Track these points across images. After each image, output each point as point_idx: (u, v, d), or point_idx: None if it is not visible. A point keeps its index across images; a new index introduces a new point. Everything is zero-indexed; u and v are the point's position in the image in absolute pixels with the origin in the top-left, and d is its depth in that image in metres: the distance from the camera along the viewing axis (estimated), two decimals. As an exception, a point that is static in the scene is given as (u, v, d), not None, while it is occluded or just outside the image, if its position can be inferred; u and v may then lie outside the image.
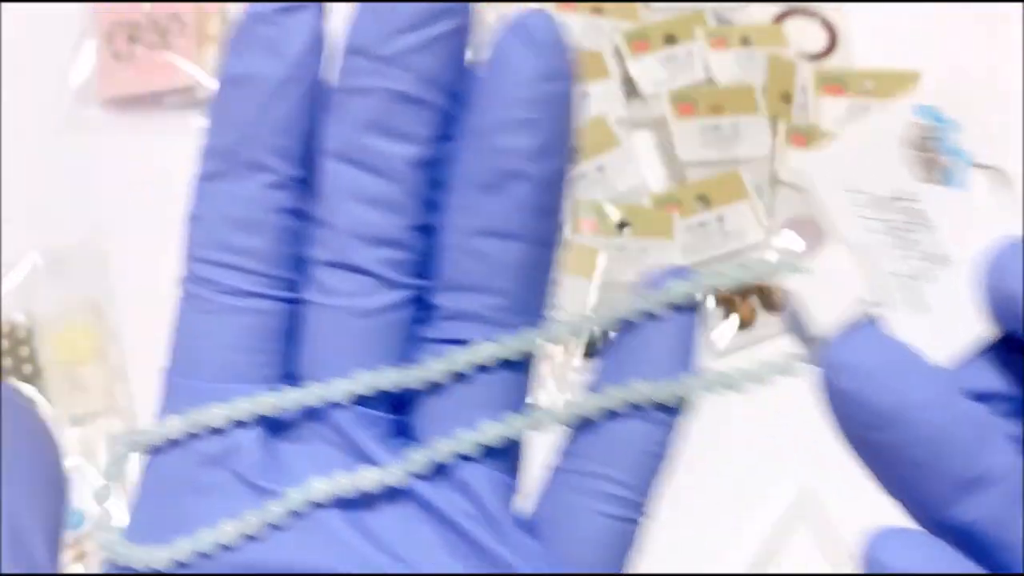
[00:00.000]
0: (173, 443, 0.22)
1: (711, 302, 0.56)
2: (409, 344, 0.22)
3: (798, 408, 0.53)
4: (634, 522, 0.22)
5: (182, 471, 0.22)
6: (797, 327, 0.22)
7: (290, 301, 0.22)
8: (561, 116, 0.21)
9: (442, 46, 0.21)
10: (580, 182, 0.59)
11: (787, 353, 0.21)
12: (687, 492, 0.53)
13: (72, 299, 0.55)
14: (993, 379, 0.21)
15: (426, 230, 0.22)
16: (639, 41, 0.64)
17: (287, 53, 0.22)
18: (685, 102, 0.62)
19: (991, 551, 0.19)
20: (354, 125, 0.21)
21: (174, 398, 0.23)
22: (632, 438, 0.22)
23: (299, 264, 0.23)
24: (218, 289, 0.22)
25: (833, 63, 0.65)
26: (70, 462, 0.52)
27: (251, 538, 0.21)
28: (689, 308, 0.22)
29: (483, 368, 0.22)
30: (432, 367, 0.22)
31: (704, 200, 0.59)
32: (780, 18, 0.67)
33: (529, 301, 0.22)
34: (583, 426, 0.22)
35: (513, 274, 0.22)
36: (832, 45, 0.66)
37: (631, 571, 0.23)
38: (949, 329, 0.21)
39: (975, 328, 0.21)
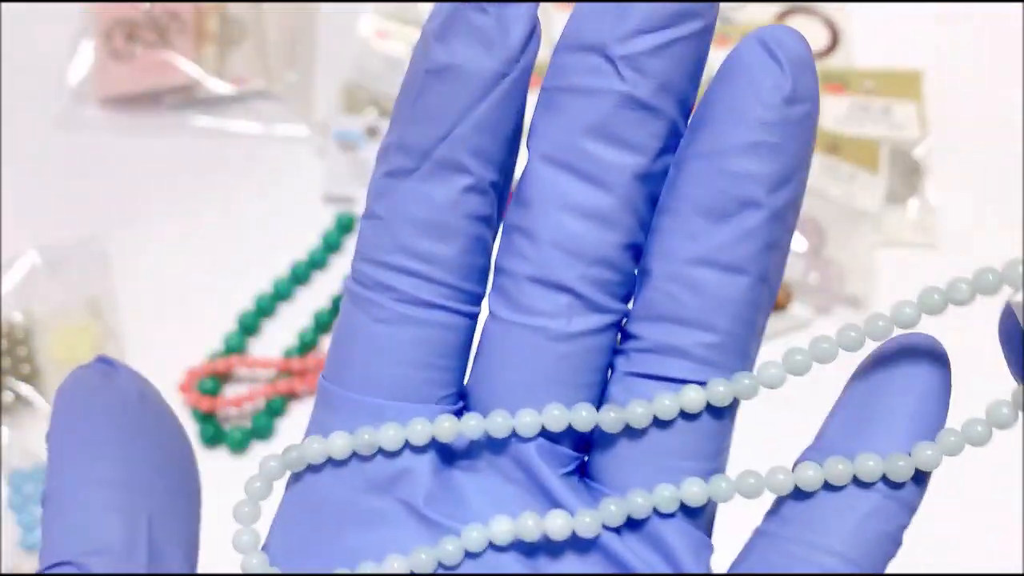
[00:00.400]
0: (334, 463, 0.20)
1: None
2: (604, 373, 0.20)
3: (800, 407, 0.53)
4: None
5: (342, 495, 0.20)
6: (1018, 352, 0.18)
7: (474, 316, 0.21)
8: (803, 142, 0.19)
9: (682, 50, 0.19)
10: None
11: (1000, 402, 0.19)
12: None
13: (70, 298, 0.54)
14: None
15: (635, 249, 0.20)
16: (640, 40, 0.64)
17: (503, 45, 0.19)
18: (686, 101, 0.61)
19: None
20: (574, 128, 0.19)
21: (334, 412, 0.21)
22: (858, 509, 0.20)
23: (485, 276, 0.21)
24: (398, 297, 0.20)
25: (834, 62, 0.65)
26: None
27: None
28: (939, 351, 0.20)
29: (686, 414, 0.20)
30: (635, 411, 0.20)
31: (705, 199, 0.58)
32: (781, 17, 0.67)
33: (743, 342, 0.20)
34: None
35: (732, 311, 0.19)
36: (833, 44, 0.66)
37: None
38: None
39: None
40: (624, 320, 0.21)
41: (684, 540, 0.20)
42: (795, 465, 0.20)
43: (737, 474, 0.20)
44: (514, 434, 0.20)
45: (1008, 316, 0.19)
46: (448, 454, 0.21)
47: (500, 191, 0.21)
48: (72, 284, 0.55)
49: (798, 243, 0.58)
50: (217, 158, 0.60)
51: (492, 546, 0.20)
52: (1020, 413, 0.19)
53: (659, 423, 0.20)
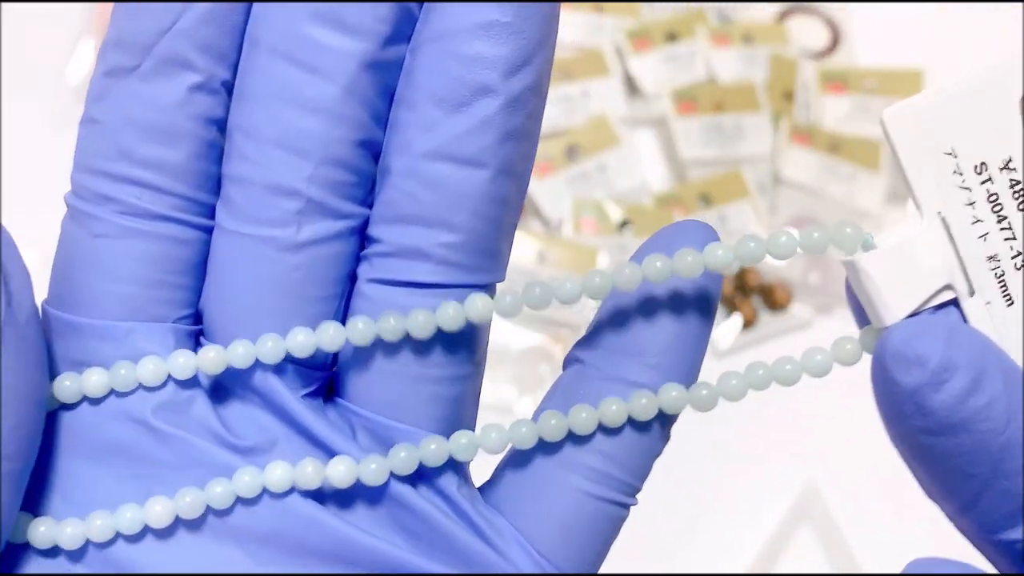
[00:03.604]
0: (90, 401, 0.19)
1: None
2: (348, 283, 0.19)
3: (801, 407, 0.53)
4: (619, 506, 0.19)
5: (88, 431, 0.19)
6: (859, 309, 0.18)
7: (208, 229, 0.19)
8: (542, 20, 0.18)
9: None
10: (581, 181, 0.59)
11: (844, 338, 0.18)
12: (689, 491, 0.52)
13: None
14: None
15: (372, 147, 0.19)
16: (641, 39, 0.64)
17: None
18: (687, 100, 0.61)
19: None
20: (295, 14, 0.18)
21: (59, 338, 0.19)
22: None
23: (218, 185, 0.19)
24: (120, 209, 0.18)
25: (835, 61, 0.65)
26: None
27: (185, 522, 0.18)
28: (705, 295, 0.19)
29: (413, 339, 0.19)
30: (358, 329, 0.18)
31: (706, 199, 0.58)
32: (782, 16, 0.66)
33: (488, 240, 0.19)
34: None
35: (471, 207, 0.18)
36: (834, 43, 0.66)
37: (620, 568, 0.21)
38: None
39: None
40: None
41: (448, 474, 0.19)
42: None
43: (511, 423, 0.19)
44: (256, 361, 0.18)
45: (849, 287, 0.18)
46: (197, 382, 0.19)
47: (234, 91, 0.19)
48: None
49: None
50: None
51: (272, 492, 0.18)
52: (864, 353, 0.18)
53: (396, 344, 0.18)
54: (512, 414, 0.51)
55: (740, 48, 0.64)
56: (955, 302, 0.18)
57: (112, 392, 0.19)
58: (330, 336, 0.18)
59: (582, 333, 0.20)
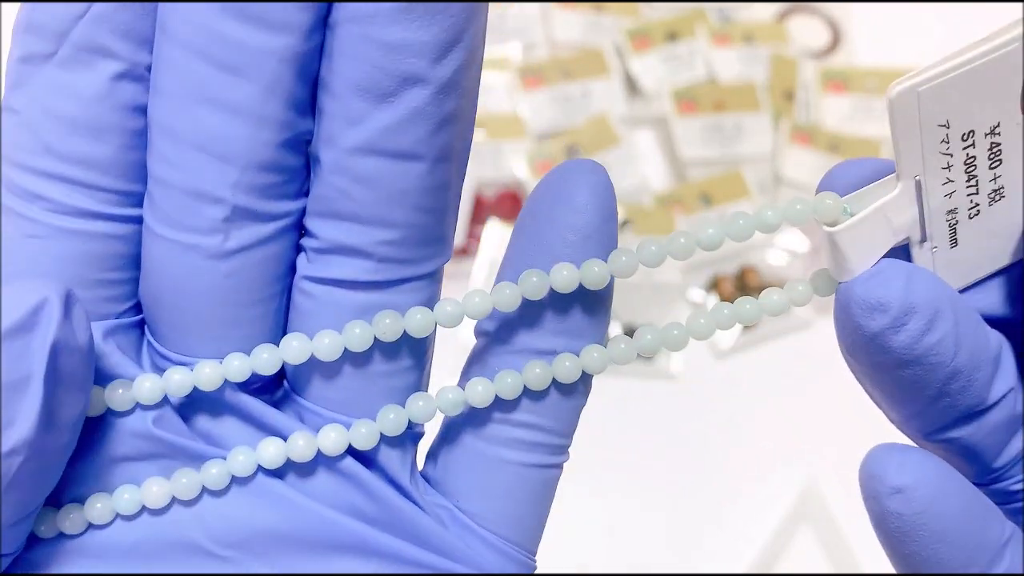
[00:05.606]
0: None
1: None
2: (287, 277, 0.18)
3: (801, 407, 0.53)
4: (552, 467, 0.19)
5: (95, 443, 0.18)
6: (832, 263, 0.19)
7: (140, 220, 0.18)
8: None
9: None
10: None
11: (796, 280, 0.19)
12: (690, 491, 0.52)
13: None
14: (1001, 305, 0.19)
15: (301, 139, 0.17)
16: (641, 39, 0.64)
17: None
18: (687, 100, 0.61)
19: (982, 464, 0.19)
20: (210, 9, 0.16)
21: None
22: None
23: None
24: (50, 207, 0.17)
25: (836, 61, 0.65)
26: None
27: (183, 502, 0.18)
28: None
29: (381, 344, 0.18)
30: (324, 344, 0.18)
31: (706, 199, 0.58)
32: (783, 16, 0.66)
33: (431, 230, 0.18)
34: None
35: (410, 202, 0.17)
36: (835, 43, 0.66)
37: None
38: (975, 262, 0.19)
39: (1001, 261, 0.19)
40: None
41: (400, 461, 0.19)
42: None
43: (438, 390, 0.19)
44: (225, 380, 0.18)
45: (825, 245, 0.19)
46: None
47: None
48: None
49: (799, 243, 0.58)
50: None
51: (262, 469, 0.18)
52: (814, 295, 0.19)
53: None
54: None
55: (740, 48, 0.64)
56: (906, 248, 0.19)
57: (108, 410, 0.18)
58: (294, 349, 0.18)
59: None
